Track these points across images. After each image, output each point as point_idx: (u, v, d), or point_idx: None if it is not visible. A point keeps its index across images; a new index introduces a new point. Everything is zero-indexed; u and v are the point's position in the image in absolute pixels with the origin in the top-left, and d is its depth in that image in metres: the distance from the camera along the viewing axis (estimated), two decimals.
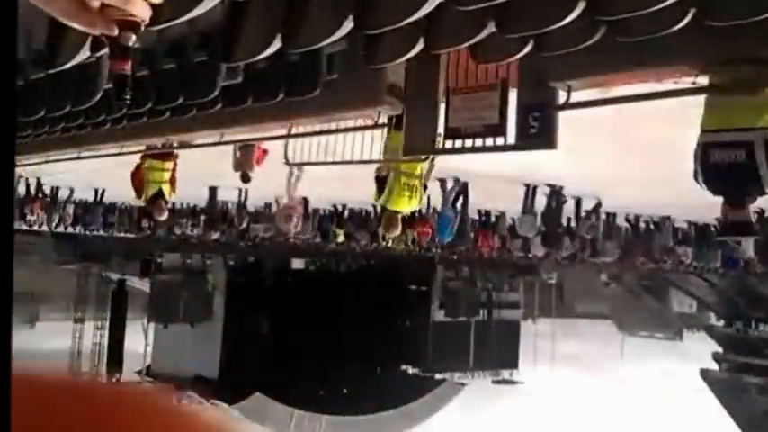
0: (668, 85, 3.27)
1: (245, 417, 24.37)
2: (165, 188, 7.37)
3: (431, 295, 27.94)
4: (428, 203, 12.64)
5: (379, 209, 6.72)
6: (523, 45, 3.08)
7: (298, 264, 27.88)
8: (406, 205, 5.59)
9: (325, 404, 25.80)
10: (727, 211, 3.32)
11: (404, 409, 27.30)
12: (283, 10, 3.03)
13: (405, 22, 2.66)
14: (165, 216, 8.02)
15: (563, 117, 3.73)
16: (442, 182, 10.32)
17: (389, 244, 13.28)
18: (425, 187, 5.67)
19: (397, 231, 6.01)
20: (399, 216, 5.76)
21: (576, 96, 3.48)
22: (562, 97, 3.56)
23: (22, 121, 5.39)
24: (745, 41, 2.64)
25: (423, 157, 4.57)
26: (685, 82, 3.18)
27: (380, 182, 5.59)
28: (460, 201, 10.92)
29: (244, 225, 14.60)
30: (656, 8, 2.39)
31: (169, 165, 7.23)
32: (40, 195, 14.20)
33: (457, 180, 10.53)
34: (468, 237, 12.40)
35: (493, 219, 13.81)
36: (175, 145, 6.38)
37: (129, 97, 2.13)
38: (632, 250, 14.05)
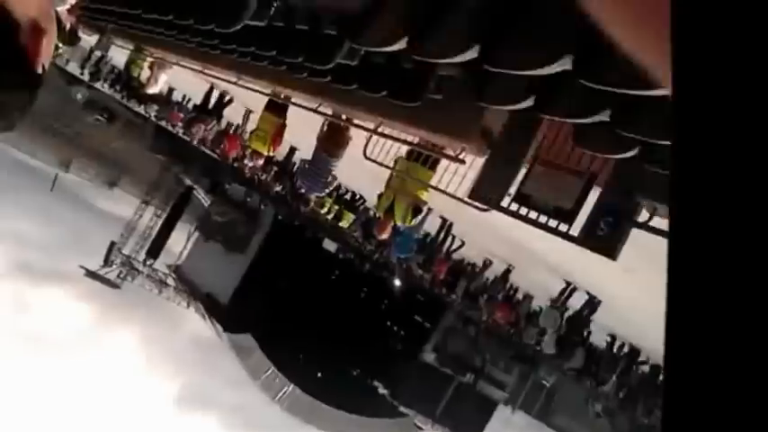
0: None
1: (232, 346, 25.97)
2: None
3: (430, 334, 28.09)
4: None
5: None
6: (629, 148, 2.93)
7: (330, 245, 28.54)
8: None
9: (298, 376, 26.63)
10: None
11: (361, 419, 27.57)
12: (420, 15, 2.95)
13: (528, 72, 2.55)
14: None
15: (634, 234, 3.57)
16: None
17: None
18: None
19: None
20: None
21: (658, 221, 3.32)
22: (644, 216, 3.40)
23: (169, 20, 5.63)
24: None
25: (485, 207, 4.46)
26: None
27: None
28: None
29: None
30: None
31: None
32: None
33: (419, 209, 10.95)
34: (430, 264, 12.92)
35: (520, 296, 13.58)
36: (275, 98, 6.60)
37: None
38: (636, 396, 13.44)
